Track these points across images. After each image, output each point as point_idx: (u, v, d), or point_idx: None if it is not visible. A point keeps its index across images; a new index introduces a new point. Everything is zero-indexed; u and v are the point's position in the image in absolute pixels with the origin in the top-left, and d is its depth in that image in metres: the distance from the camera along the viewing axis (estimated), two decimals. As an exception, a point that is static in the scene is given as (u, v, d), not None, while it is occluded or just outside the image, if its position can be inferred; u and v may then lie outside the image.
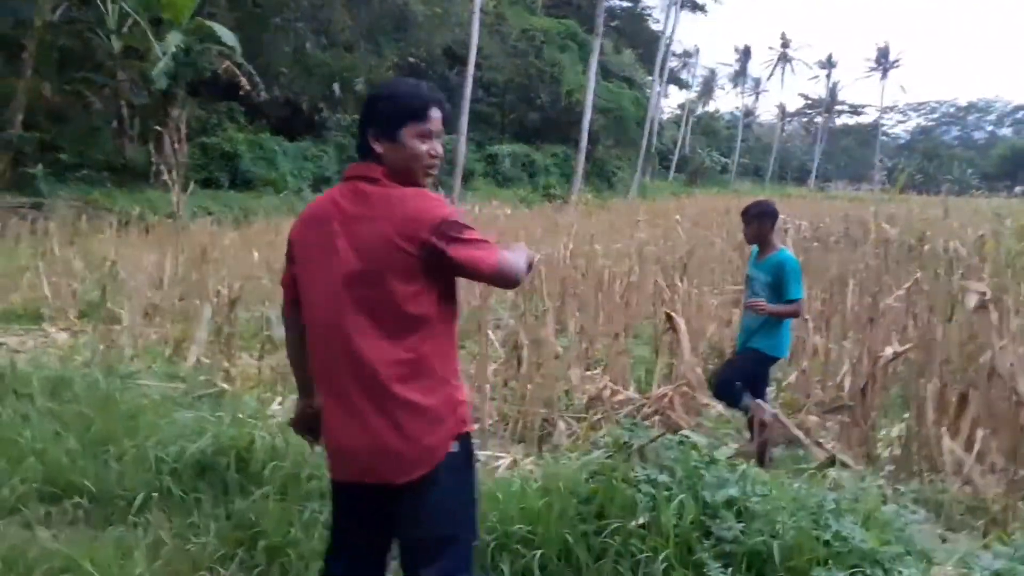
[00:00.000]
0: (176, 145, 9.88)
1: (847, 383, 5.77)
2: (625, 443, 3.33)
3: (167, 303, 8.24)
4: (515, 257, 2.14)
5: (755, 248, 4.93)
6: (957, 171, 67.70)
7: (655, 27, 43.29)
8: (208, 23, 17.65)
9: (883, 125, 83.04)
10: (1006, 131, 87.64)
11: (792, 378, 6.24)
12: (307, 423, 2.41)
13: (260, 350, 5.93)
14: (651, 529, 2.97)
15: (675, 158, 51.32)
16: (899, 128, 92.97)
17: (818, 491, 3.40)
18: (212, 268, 9.41)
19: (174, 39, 17.04)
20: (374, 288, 2.11)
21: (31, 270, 9.20)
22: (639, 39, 42.31)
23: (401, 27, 27.24)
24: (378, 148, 2.15)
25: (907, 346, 5.33)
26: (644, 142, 33.10)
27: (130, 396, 5.06)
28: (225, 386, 5.67)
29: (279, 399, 4.95)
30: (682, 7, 35.81)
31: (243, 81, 18.31)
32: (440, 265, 2.08)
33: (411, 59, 27.53)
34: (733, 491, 3.09)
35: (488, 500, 3.22)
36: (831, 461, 4.60)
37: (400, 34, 27.78)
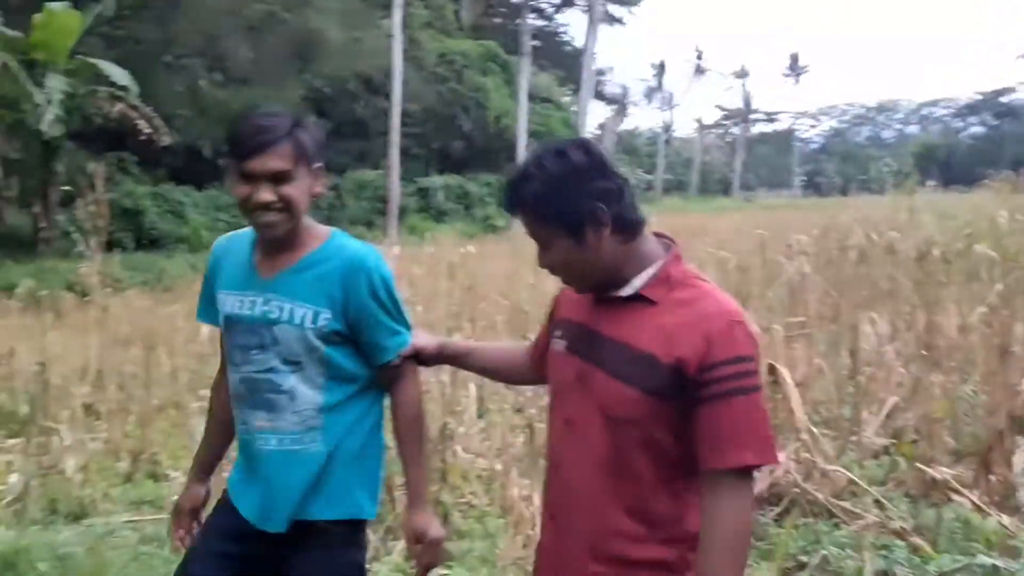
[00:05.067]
0: (93, 204, 8.46)
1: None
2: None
3: (106, 404, 6.88)
4: None
5: (239, 241, 2.13)
6: (874, 170, 70.11)
7: (574, 44, 43.33)
8: (94, 61, 16.14)
9: (797, 131, 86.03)
10: (912, 128, 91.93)
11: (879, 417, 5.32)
12: None
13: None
14: None
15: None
16: (812, 132, 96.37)
17: None
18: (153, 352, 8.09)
19: (57, 83, 15.47)
20: None
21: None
22: (557, 58, 42.18)
23: (305, 57, 26.09)
24: None
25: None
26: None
27: (116, 560, 3.80)
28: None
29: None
30: (600, 20, 35.76)
31: (142, 125, 16.78)
32: None
33: (323, 88, 26.36)
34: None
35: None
36: None
37: (303, 64, 26.61)
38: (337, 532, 2.03)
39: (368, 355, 2.06)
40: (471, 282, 11.60)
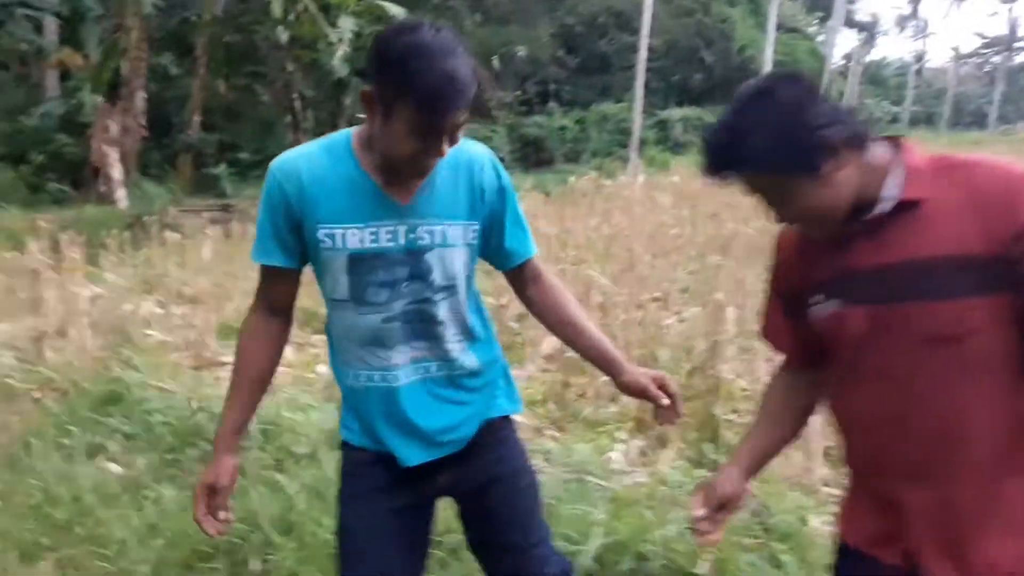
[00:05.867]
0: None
1: None
2: None
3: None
4: None
5: (328, 166, 1.71)
6: None
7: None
8: (380, 3, 16.99)
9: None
10: None
11: None
12: None
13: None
14: None
15: (843, 112, 47.63)
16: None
17: None
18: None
19: (347, 23, 16.45)
20: None
21: (237, 278, 8.66)
22: (804, -15, 39.43)
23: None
24: None
25: None
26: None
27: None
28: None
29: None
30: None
31: (415, 63, 17.54)
32: None
33: (573, 24, 26.35)
34: None
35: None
36: None
37: (553, 2, 26.65)
38: (506, 426, 1.96)
39: (503, 259, 1.87)
40: (714, 211, 11.35)
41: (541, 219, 10.29)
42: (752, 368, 4.96)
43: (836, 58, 35.19)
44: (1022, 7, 74.18)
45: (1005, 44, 68.71)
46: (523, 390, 5.10)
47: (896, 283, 1.41)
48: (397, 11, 16.62)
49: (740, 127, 1.38)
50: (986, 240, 1.33)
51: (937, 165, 1.43)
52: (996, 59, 69.40)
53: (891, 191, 1.42)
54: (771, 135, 1.36)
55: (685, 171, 18.94)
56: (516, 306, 6.45)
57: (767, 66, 25.02)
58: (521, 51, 24.90)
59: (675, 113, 27.27)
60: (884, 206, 1.42)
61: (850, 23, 38.40)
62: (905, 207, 1.41)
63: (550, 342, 5.84)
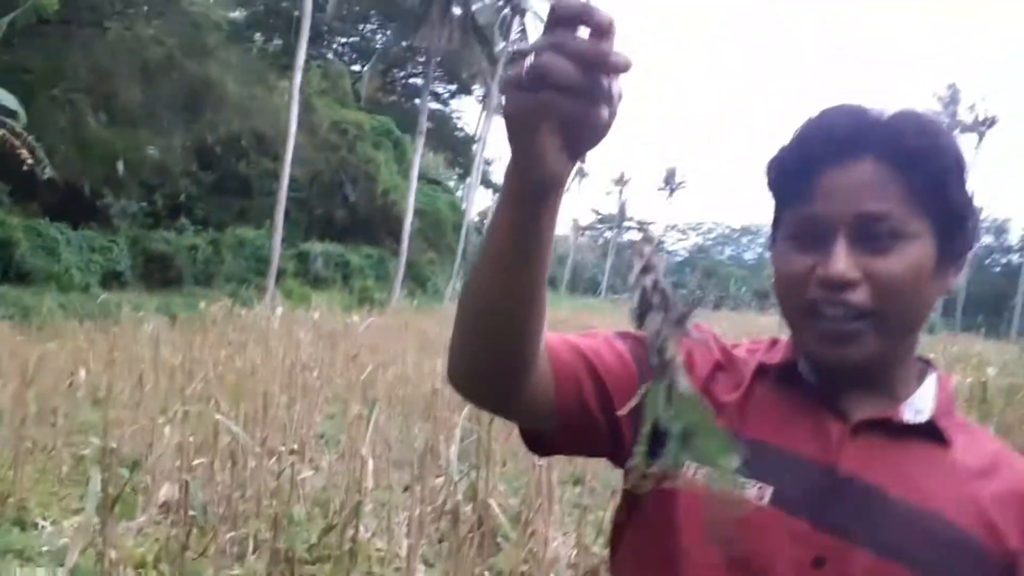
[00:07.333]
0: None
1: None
2: None
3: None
4: None
5: None
6: (733, 288, 74.08)
7: (466, 130, 44.30)
8: (-8, 92, 15.25)
9: (665, 242, 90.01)
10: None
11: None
12: None
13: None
14: None
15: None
16: (679, 245, 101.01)
17: None
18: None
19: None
20: None
21: None
22: (448, 142, 42.77)
23: (196, 108, 25.51)
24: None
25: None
26: (460, 247, 32.89)
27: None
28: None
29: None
30: (495, 112, 36.87)
31: (24, 154, 15.84)
32: None
33: (211, 141, 25.78)
34: None
35: None
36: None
37: (192, 115, 25.98)
38: None
39: None
40: (354, 352, 11.39)
41: (165, 346, 9.55)
42: (389, 527, 4.92)
43: (473, 213, 38.36)
44: (631, 191, 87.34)
45: (615, 222, 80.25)
46: (132, 548, 4.59)
47: (881, 524, 0.93)
48: (5, 96, 15.06)
49: (927, 126, 0.96)
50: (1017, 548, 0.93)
51: (954, 413, 1.05)
52: (608, 234, 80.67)
53: (924, 403, 1.02)
54: (953, 161, 0.96)
55: (325, 307, 18.96)
56: (130, 447, 5.82)
57: (410, 212, 26.48)
58: (153, 151, 23.74)
59: (316, 247, 27.51)
60: (913, 414, 1.00)
61: (487, 183, 42.25)
62: (930, 434, 1.00)
63: (168, 489, 5.31)
